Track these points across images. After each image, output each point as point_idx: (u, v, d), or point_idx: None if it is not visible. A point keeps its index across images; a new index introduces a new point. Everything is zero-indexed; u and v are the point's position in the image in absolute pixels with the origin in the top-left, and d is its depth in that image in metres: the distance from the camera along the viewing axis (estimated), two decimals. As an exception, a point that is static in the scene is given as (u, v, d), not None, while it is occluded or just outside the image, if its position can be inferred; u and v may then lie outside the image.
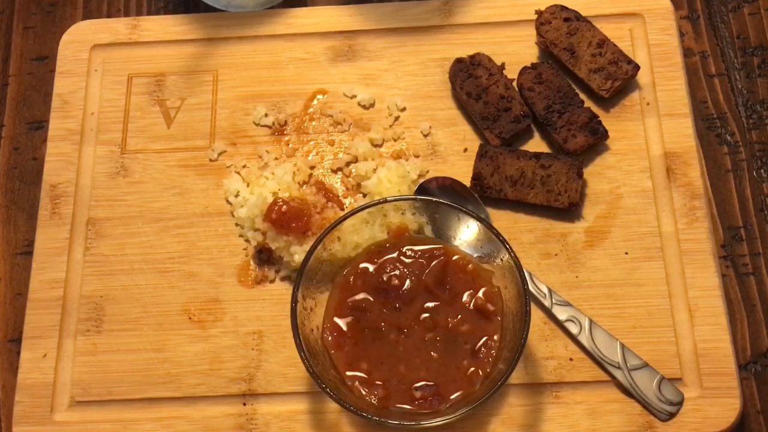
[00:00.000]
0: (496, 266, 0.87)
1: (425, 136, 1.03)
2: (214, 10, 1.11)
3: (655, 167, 0.99)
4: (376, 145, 1.02)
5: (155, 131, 1.04)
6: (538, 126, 1.02)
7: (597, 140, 0.99)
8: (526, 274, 0.89)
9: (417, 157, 1.02)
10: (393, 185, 0.97)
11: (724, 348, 0.91)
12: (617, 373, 0.90)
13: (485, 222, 0.87)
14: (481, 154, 0.98)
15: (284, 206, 0.95)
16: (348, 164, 1.02)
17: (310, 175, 1.01)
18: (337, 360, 0.86)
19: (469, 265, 0.89)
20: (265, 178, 0.99)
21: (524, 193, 0.97)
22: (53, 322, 0.95)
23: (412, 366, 0.85)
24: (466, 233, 0.90)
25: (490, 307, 0.87)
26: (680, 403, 0.89)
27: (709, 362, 0.90)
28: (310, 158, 1.02)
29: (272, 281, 0.97)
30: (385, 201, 0.89)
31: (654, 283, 0.94)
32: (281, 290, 0.96)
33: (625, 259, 0.95)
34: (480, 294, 0.88)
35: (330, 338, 0.87)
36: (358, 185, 1.00)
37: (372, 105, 1.04)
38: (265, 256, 0.97)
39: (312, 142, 1.03)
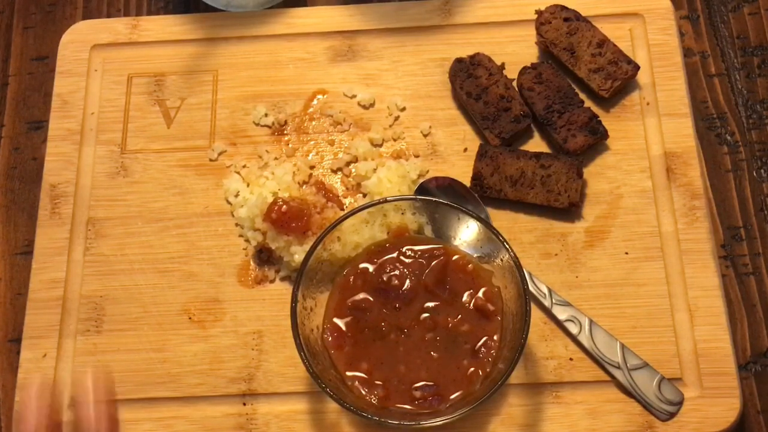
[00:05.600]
0: (496, 266, 0.87)
1: (425, 136, 1.03)
2: (214, 10, 1.11)
3: (655, 167, 0.99)
4: (376, 145, 1.02)
5: (155, 131, 1.04)
6: (538, 126, 1.02)
7: (597, 140, 0.99)
8: (526, 274, 0.89)
9: (417, 157, 1.02)
10: (393, 185, 0.97)
11: (724, 348, 0.91)
12: (617, 373, 0.90)
13: (485, 222, 0.87)
14: (481, 154, 0.98)
15: (284, 206, 0.94)
16: (348, 164, 1.02)
17: (310, 175, 1.01)
18: (337, 360, 0.86)
19: (469, 265, 0.89)
20: (265, 178, 0.99)
21: (524, 193, 0.97)
22: (53, 322, 0.95)
23: (412, 366, 0.85)
24: (466, 233, 0.90)
25: (490, 307, 0.87)
26: (680, 403, 0.89)
27: (709, 362, 0.90)
28: (310, 158, 1.02)
29: (272, 281, 0.97)
30: (385, 201, 0.89)
31: (654, 283, 0.94)
32: (281, 290, 0.96)
33: (625, 259, 0.95)
34: (480, 294, 0.87)
35: (330, 338, 0.87)
36: (358, 185, 1.00)
37: (372, 105, 1.04)
38: (265, 256, 0.97)
39: (312, 142, 1.03)
